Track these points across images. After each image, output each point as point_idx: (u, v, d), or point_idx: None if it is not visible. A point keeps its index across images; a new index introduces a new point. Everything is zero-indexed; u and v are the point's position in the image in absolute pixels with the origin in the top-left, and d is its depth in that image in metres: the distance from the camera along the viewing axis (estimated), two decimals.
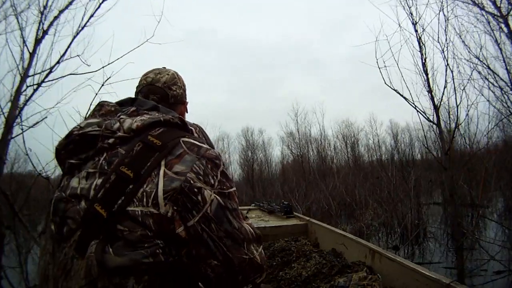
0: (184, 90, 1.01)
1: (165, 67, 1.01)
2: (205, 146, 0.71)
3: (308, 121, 20.53)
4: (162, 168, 0.64)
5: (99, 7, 4.02)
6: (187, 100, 1.03)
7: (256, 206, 4.35)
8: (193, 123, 0.93)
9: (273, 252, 2.45)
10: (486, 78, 5.77)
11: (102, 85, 3.48)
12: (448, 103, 5.46)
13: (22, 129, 3.43)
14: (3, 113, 3.50)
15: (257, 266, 0.71)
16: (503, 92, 5.79)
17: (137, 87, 0.96)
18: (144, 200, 0.62)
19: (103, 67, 3.56)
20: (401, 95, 5.23)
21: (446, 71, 5.16)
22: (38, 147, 3.22)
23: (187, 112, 1.06)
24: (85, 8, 3.98)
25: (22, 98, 3.65)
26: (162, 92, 0.93)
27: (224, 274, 0.68)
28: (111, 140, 0.68)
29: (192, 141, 0.71)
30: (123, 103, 0.81)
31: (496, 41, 5.84)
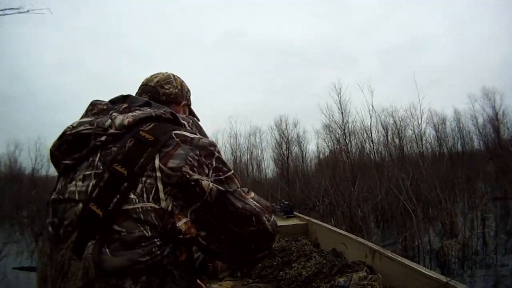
0: (181, 91, 1.00)
1: (167, 72, 1.03)
2: (198, 136, 0.72)
3: (350, 109, 16.26)
4: (157, 163, 0.64)
5: None
6: (184, 101, 1.02)
7: None
8: (186, 116, 0.93)
9: (273, 252, 2.44)
10: None
11: None
12: None
13: None
14: None
15: (268, 235, 0.73)
16: None
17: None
18: (145, 196, 0.62)
19: None
20: None
21: None
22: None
23: (197, 119, 1.05)
24: None
25: None
26: (153, 90, 0.95)
27: (236, 245, 0.70)
28: (103, 138, 0.68)
29: (184, 133, 0.71)
30: (115, 101, 0.81)
31: None
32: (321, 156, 18.26)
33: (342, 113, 15.87)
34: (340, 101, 16.12)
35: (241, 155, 18.54)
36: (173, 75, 1.00)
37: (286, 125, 18.78)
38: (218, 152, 0.72)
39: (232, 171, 0.73)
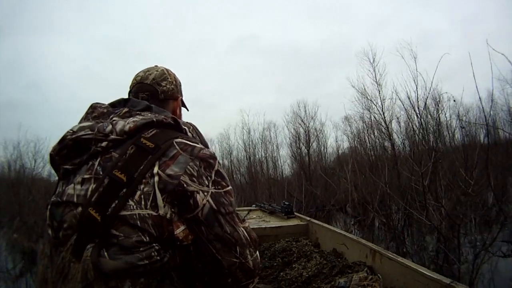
0: (176, 86, 0.97)
1: (156, 65, 0.99)
2: (199, 146, 0.71)
3: (386, 81, 11.23)
4: (156, 170, 0.65)
5: None
6: (180, 96, 1.00)
7: (257, 207, 4.35)
8: (187, 122, 0.92)
9: (274, 253, 2.44)
10: None
11: None
12: None
13: None
14: None
15: (248, 271, 0.71)
16: None
17: (129, 87, 0.95)
18: (143, 202, 0.62)
19: None
20: None
21: None
22: None
23: (187, 110, 1.05)
24: None
25: None
26: (151, 89, 0.91)
27: (214, 273, 0.70)
28: (104, 144, 0.68)
29: (186, 141, 0.71)
30: (116, 104, 0.81)
31: None
32: (340, 151, 15.27)
33: (377, 83, 11.45)
34: (374, 70, 11.60)
35: (255, 151, 16.04)
36: (167, 70, 0.97)
37: (306, 111, 15.20)
38: (218, 165, 0.72)
39: (230, 187, 0.72)
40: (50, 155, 0.73)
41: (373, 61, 11.47)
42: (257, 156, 16.03)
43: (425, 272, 1.44)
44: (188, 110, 1.06)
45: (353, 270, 1.84)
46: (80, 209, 0.64)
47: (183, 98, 1.03)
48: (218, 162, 0.73)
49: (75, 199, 0.65)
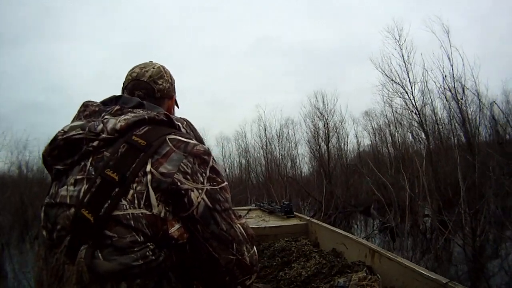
0: (172, 84, 0.95)
1: (151, 61, 0.96)
2: (193, 141, 0.70)
3: (415, 60, 9.67)
4: (149, 168, 0.64)
5: None
6: (175, 95, 0.99)
7: (256, 206, 4.35)
8: (180, 117, 0.90)
9: (273, 252, 2.44)
10: None
11: None
12: None
13: None
14: None
15: (245, 267, 0.70)
16: None
17: (123, 83, 0.92)
18: (136, 202, 0.62)
19: None
20: None
21: None
22: None
23: (178, 108, 1.03)
24: None
25: None
26: (147, 87, 0.88)
27: (211, 271, 0.69)
28: (95, 143, 0.67)
29: (179, 137, 0.70)
30: (108, 102, 0.79)
31: None
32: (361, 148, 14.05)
33: (405, 63, 9.48)
34: (401, 48, 9.68)
35: (272, 148, 14.88)
36: (163, 67, 0.95)
37: (324, 103, 13.54)
38: (213, 161, 0.71)
39: (226, 183, 0.71)
40: (42, 155, 0.72)
41: (399, 38, 9.74)
42: (274, 153, 14.76)
43: (423, 271, 1.44)
44: (178, 107, 1.04)
45: (352, 270, 1.84)
46: (72, 210, 0.63)
47: (176, 96, 1.01)
48: (213, 158, 0.72)
49: (68, 201, 0.64)
